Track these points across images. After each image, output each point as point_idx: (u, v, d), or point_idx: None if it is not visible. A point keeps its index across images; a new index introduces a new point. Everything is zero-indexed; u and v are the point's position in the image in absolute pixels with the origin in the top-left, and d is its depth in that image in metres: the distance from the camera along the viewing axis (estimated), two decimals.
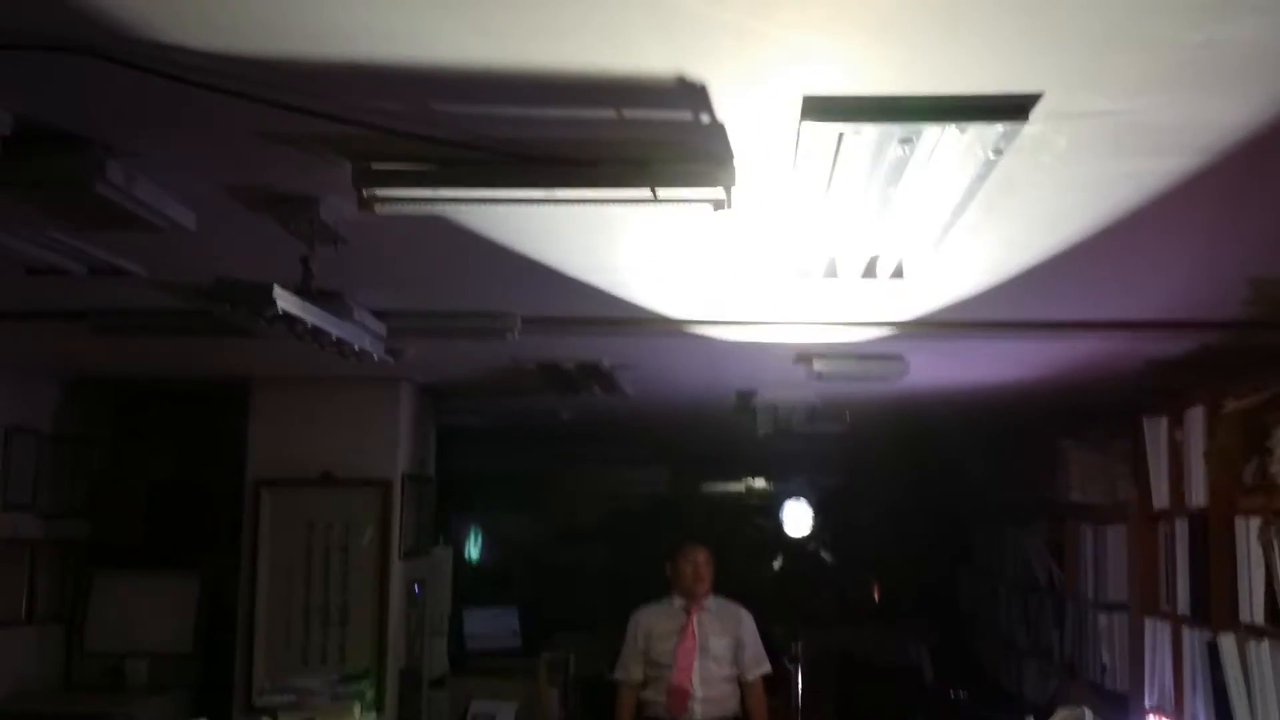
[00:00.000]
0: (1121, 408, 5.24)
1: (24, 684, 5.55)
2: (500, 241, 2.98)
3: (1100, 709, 5.34)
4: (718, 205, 2.27)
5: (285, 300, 2.32)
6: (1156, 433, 4.70)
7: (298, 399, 5.58)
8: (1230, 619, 3.95)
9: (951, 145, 2.09)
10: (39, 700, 5.52)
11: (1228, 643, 3.90)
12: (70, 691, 5.74)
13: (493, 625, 6.94)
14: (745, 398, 6.02)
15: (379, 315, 3.85)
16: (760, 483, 10.04)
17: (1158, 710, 4.67)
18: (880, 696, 6.64)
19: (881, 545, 9.54)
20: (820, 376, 4.74)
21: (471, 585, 8.84)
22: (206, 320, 3.48)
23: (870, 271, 3.10)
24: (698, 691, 5.22)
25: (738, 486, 10.21)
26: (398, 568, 5.53)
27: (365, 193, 2.23)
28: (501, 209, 2.55)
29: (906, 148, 2.09)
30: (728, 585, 5.82)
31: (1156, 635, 4.75)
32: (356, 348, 2.88)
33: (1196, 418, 4.25)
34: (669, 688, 5.25)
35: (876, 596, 9.37)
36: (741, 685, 5.32)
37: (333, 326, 2.68)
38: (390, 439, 5.59)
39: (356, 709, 4.06)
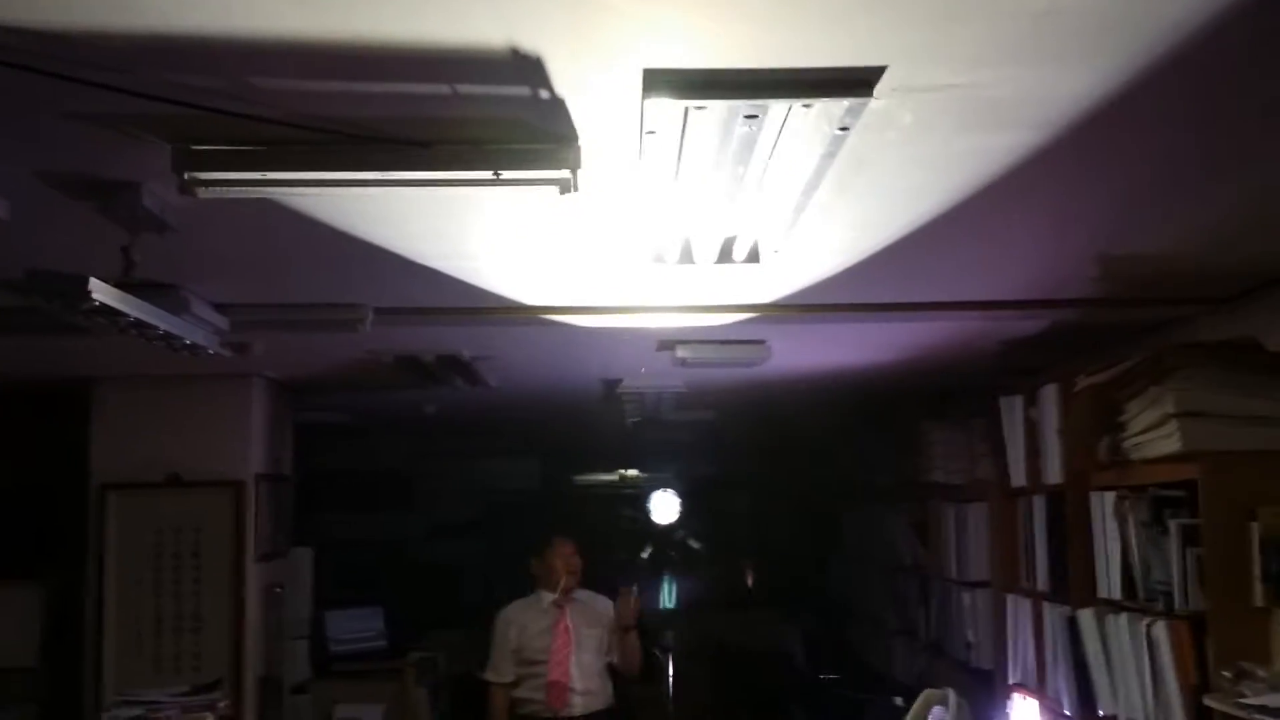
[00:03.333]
0: (980, 388, 5.31)
1: None
2: (345, 229, 2.85)
3: (966, 687, 5.43)
4: (564, 188, 2.18)
5: (102, 292, 2.16)
6: (1012, 411, 4.76)
7: (143, 399, 5.34)
8: (1088, 593, 4.01)
9: (798, 122, 2.03)
10: None
11: (1086, 617, 3.96)
12: None
13: (357, 627, 6.75)
14: (611, 386, 5.96)
15: (222, 308, 3.70)
16: (632, 472, 10.02)
17: (1021, 686, 4.74)
18: (752, 682, 6.65)
19: (753, 532, 9.61)
20: (683, 363, 4.71)
21: (336, 586, 8.63)
22: (32, 317, 3.26)
23: (725, 255, 3.05)
24: (577, 685, 5.17)
25: (610, 477, 10.17)
26: (253, 571, 5.33)
27: (186, 176, 2.09)
28: (340, 193, 2.41)
29: (753, 124, 2.04)
30: (600, 577, 5.77)
31: (1018, 612, 4.82)
32: (188, 341, 2.71)
33: (1050, 396, 4.31)
34: (547, 684, 5.17)
35: (750, 583, 9.43)
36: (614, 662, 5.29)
37: (159, 320, 2.52)
38: (242, 438, 5.39)
39: None
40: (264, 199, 2.46)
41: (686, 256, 3.07)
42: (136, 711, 3.82)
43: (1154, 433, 3.45)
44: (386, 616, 7.14)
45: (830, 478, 8.89)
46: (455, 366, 5.10)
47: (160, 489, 5.30)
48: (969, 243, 3.03)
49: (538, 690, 5.16)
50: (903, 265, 3.26)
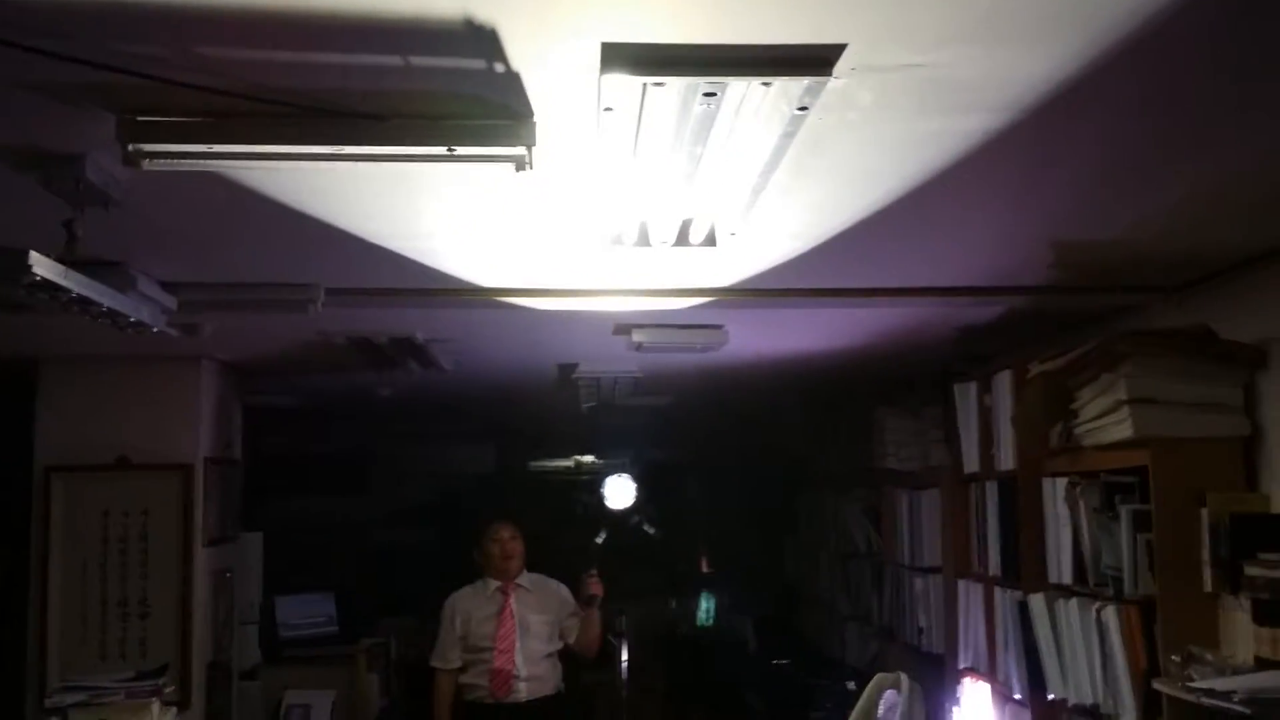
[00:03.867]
0: (936, 374, 5.33)
1: None
2: (296, 206, 2.80)
3: (918, 671, 5.46)
4: (519, 165, 2.15)
5: (43, 267, 2.11)
6: (966, 398, 4.79)
7: (90, 380, 5.24)
8: (1039, 579, 4.04)
9: (757, 101, 2.01)
10: None
11: (1037, 602, 3.99)
12: None
13: (308, 612, 6.69)
14: (567, 371, 5.93)
15: (170, 287, 3.63)
16: (588, 458, 9.99)
17: (972, 670, 4.77)
18: (705, 668, 6.66)
19: (709, 518, 9.61)
20: (639, 347, 4.68)
21: (289, 571, 8.55)
22: None
23: (683, 238, 3.02)
24: (521, 671, 5.14)
25: (566, 462, 10.14)
26: (201, 556, 5.26)
27: (131, 148, 2.03)
28: (290, 169, 2.37)
29: (711, 102, 2.01)
30: (556, 562, 5.76)
31: (969, 597, 4.85)
32: (132, 319, 2.65)
33: (1004, 382, 4.34)
34: (491, 671, 5.14)
35: (705, 569, 9.42)
36: (570, 644, 5.27)
37: (103, 297, 2.47)
38: (190, 421, 5.30)
39: (155, 706, 3.82)
40: (211, 174, 2.41)
41: (643, 239, 3.04)
42: (80, 697, 3.76)
43: (1106, 419, 3.47)
44: (338, 602, 7.08)
45: (786, 464, 8.90)
46: (409, 349, 5.05)
47: (107, 472, 5.21)
48: (926, 228, 3.02)
49: (482, 676, 5.14)
50: (860, 250, 3.25)
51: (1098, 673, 3.57)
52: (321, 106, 2.03)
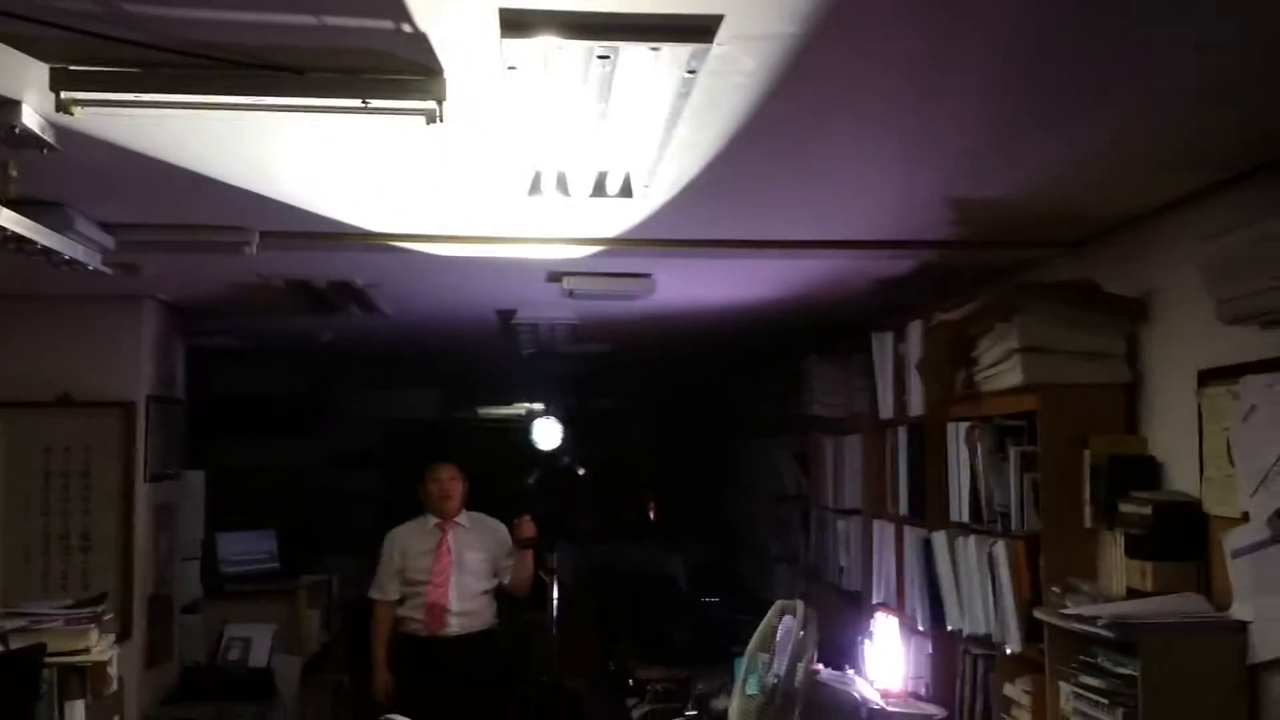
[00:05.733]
0: (860, 325, 5.53)
1: None
2: (228, 152, 2.93)
3: (838, 608, 5.71)
4: (430, 118, 2.30)
5: None
6: (883, 347, 4.99)
7: (32, 318, 5.33)
8: (942, 518, 4.27)
9: (650, 63, 2.17)
10: None
11: (939, 539, 4.22)
12: None
13: (249, 549, 6.84)
14: (506, 317, 6.08)
15: (109, 228, 3.75)
16: (531, 404, 10.16)
17: (884, 605, 5.02)
18: (636, 605, 6.90)
19: (649, 463, 9.83)
20: (571, 294, 4.84)
21: (232, 511, 8.68)
22: None
23: (599, 189, 3.19)
24: (454, 606, 5.33)
25: (509, 409, 10.31)
26: (143, 491, 5.39)
27: (63, 95, 2.16)
28: (215, 117, 2.50)
29: (607, 64, 2.17)
30: (495, 502, 5.95)
31: (883, 536, 5.09)
32: (67, 257, 2.78)
33: (915, 332, 4.54)
34: (426, 604, 5.33)
35: (653, 515, 9.63)
36: (504, 583, 5.46)
37: (39, 235, 2.59)
38: (132, 359, 5.41)
39: (93, 633, 3.97)
40: (145, 121, 2.54)
41: (562, 189, 3.19)
42: (20, 623, 3.88)
43: (999, 367, 3.68)
44: (280, 540, 7.24)
45: (724, 410, 9.12)
46: (349, 293, 5.18)
47: (49, 409, 5.31)
48: (828, 183, 3.20)
49: (418, 610, 5.33)
50: (771, 203, 3.44)
51: (990, 604, 3.81)
52: (243, 60, 2.17)
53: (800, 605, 3.65)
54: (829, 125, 2.63)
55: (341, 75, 2.23)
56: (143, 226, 3.74)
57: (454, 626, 5.31)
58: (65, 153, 2.73)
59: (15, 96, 2.38)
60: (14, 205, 3.00)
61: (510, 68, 2.18)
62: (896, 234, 3.94)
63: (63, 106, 2.17)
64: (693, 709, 4.66)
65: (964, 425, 4.06)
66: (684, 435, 9.65)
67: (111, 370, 5.39)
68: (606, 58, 2.12)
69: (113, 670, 4.15)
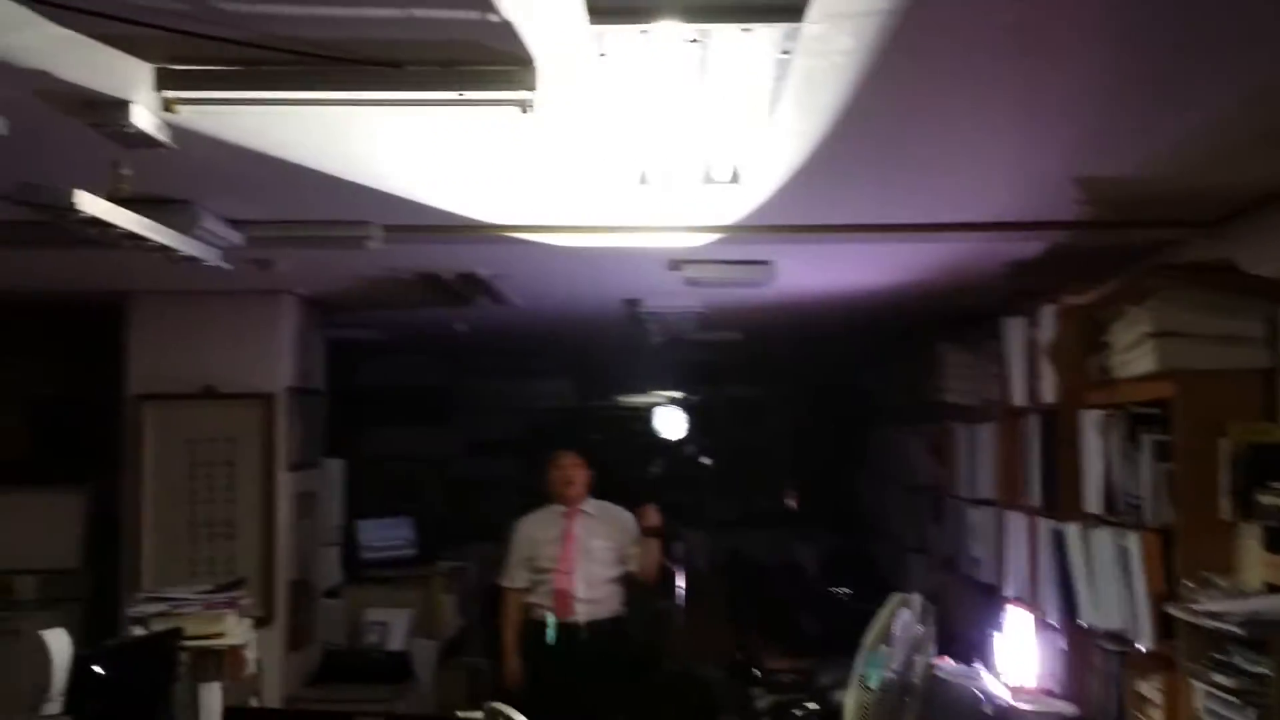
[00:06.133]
0: (993, 310, 5.38)
1: None
2: (341, 146, 2.99)
3: (974, 601, 5.57)
4: (523, 108, 2.30)
5: (89, 204, 2.32)
6: (1016, 332, 4.84)
7: (178, 312, 5.54)
8: (1075, 509, 4.11)
9: (743, 45, 2.13)
10: None
11: (1072, 531, 4.07)
12: None
13: (388, 535, 7.01)
14: (632, 305, 6.09)
15: (240, 225, 3.87)
16: (665, 393, 10.16)
17: (1017, 600, 4.87)
18: (763, 594, 6.86)
19: (786, 450, 9.75)
20: (692, 282, 4.82)
21: (374, 499, 8.91)
22: (55, 231, 3.44)
23: (707, 176, 3.15)
24: (581, 593, 5.36)
25: (642, 397, 10.33)
26: (284, 479, 5.56)
27: (167, 95, 2.23)
28: (323, 113, 2.55)
29: (700, 47, 2.14)
30: (628, 491, 5.94)
31: (1016, 528, 4.94)
32: (183, 253, 2.87)
33: (1048, 317, 4.39)
34: (553, 591, 5.38)
35: (793, 503, 9.56)
36: (632, 570, 5.47)
37: (153, 233, 2.68)
38: (273, 352, 5.59)
39: (229, 618, 4.10)
40: (259, 119, 2.60)
41: (669, 177, 3.17)
42: (161, 607, 4.04)
43: (1133, 352, 3.53)
44: (420, 526, 7.39)
45: (857, 398, 8.99)
46: (477, 285, 5.25)
47: (194, 400, 5.52)
48: (942, 164, 3.11)
49: (546, 597, 5.37)
50: (884, 187, 3.36)
51: (1123, 599, 3.66)
52: (340, 56, 2.21)
53: (918, 599, 3.56)
54: (939, 103, 2.54)
55: (436, 68, 2.25)
56: (269, 223, 3.85)
57: (582, 614, 5.35)
58: (186, 151, 2.81)
59: (125, 97, 2.45)
60: (139, 203, 3.11)
61: (602, 55, 2.16)
62: (1022, 215, 3.81)
63: (167, 105, 2.23)
64: (813, 701, 4.60)
65: (1098, 413, 3.91)
66: (817, 423, 9.53)
67: (252, 362, 5.58)
68: (697, 41, 2.09)
69: (249, 653, 4.28)
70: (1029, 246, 4.30)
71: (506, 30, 2.10)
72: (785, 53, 2.15)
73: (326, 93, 2.27)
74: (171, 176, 3.21)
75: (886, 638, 3.54)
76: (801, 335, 7.71)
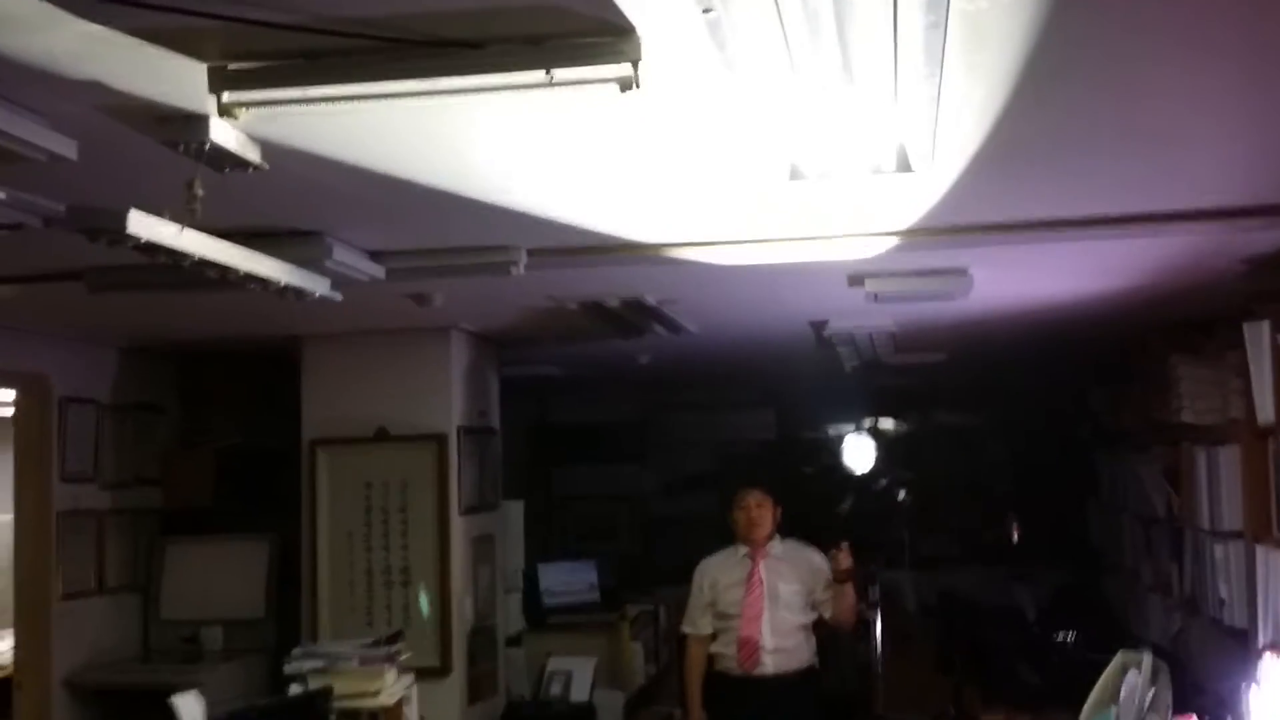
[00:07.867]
0: (1230, 315, 4.72)
1: (101, 654, 5.56)
2: (463, 161, 2.71)
3: (1221, 649, 4.88)
4: (625, 85, 1.94)
5: (142, 227, 2.07)
6: (1259, 338, 4.19)
7: (348, 354, 5.42)
8: None
9: None
10: (113, 670, 5.52)
11: None
12: (147, 661, 5.74)
13: (570, 580, 6.73)
14: (819, 327, 5.65)
15: (379, 256, 3.65)
16: (866, 421, 9.61)
17: (1274, 647, 4.19)
18: (976, 639, 6.24)
19: (1003, 481, 9.05)
20: (876, 297, 4.36)
21: (566, 539, 8.69)
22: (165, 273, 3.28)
23: (870, 165, 2.72)
24: (768, 642, 4.91)
25: (844, 427, 9.80)
26: (458, 524, 5.34)
27: (226, 98, 1.96)
28: (436, 121, 2.26)
29: None
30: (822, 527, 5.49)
31: (1270, 564, 4.27)
32: (283, 284, 2.62)
33: None
34: (739, 639, 4.95)
35: (1015, 536, 8.85)
36: (825, 618, 4.99)
37: (239, 260, 2.43)
38: (443, 391, 5.39)
39: (388, 674, 3.86)
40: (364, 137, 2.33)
41: (824, 167, 2.74)
42: (318, 663, 3.84)
43: None
44: (610, 568, 7.11)
45: (1079, 421, 8.25)
46: (645, 311, 4.93)
47: (367, 444, 5.37)
48: (1158, 133, 2.58)
49: (730, 645, 4.94)
50: (1087, 168, 2.85)
51: None
52: (411, 38, 1.90)
53: (1147, 658, 3.00)
54: (1150, 49, 2.04)
55: (521, 44, 1.91)
56: (407, 253, 3.62)
57: (769, 665, 4.88)
58: (281, 169, 2.55)
59: (202, 110, 2.20)
60: (263, 237, 2.89)
61: (706, 10, 1.78)
62: (1265, 198, 3.21)
63: (225, 111, 1.97)
64: None
65: None
66: (1037, 449, 8.80)
67: (424, 403, 5.39)
68: None
69: (410, 709, 4.04)
70: (1271, 236, 3.67)
71: None
72: None
73: (401, 82, 1.95)
74: (296, 207, 3.00)
75: (1115, 695, 3.00)
76: (1014, 354, 7.09)
